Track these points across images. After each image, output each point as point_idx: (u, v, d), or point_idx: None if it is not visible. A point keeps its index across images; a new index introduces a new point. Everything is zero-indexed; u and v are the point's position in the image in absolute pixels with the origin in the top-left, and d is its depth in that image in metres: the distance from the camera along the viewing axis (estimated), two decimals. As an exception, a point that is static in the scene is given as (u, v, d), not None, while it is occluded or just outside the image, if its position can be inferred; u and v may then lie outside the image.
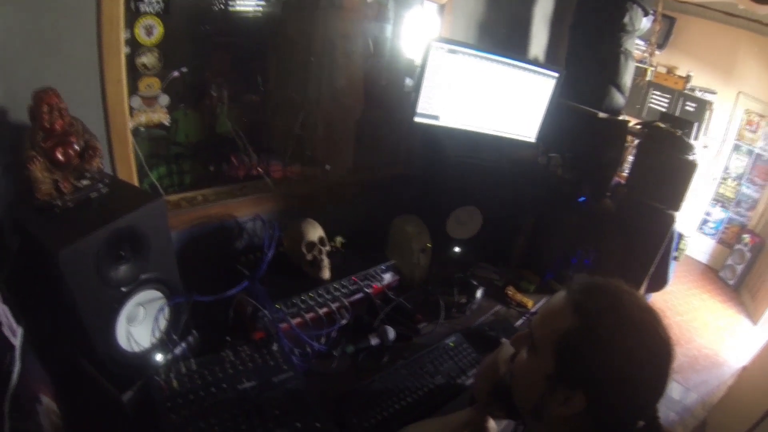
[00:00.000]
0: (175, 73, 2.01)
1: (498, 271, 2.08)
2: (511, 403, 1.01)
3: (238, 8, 2.10)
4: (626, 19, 2.10)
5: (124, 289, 1.19)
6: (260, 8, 2.18)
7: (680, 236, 2.44)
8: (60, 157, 1.17)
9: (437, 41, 1.82)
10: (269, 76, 2.51)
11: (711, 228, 5.88)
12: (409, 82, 2.27)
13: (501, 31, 2.27)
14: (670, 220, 1.99)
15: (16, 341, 1.03)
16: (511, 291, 1.97)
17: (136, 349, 1.26)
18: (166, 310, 1.32)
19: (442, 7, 2.05)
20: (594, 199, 2.07)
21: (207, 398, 1.20)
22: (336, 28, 2.11)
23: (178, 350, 1.37)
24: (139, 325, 1.28)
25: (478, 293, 1.86)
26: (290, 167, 2.40)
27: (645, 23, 2.58)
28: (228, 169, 2.30)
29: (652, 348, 0.82)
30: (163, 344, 1.32)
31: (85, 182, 1.21)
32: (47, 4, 1.22)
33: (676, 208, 1.97)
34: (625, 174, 2.21)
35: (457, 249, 2.08)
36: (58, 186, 1.16)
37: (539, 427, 0.95)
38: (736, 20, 4.60)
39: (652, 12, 2.61)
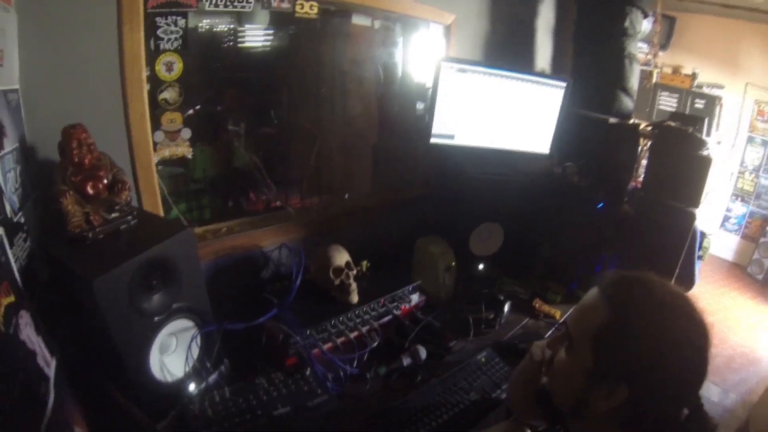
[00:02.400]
0: (190, 111, 2.05)
1: (522, 285, 2.04)
2: (551, 408, 0.99)
3: (247, 44, 2.13)
4: (627, 23, 2.10)
5: (156, 319, 1.17)
6: (268, 42, 2.21)
7: (703, 235, 2.37)
8: (90, 190, 1.18)
9: (446, 61, 1.84)
10: (282, 108, 2.55)
11: (733, 224, 5.64)
12: (420, 106, 2.29)
13: (507, 47, 2.29)
14: (691, 217, 1.94)
15: (50, 372, 1.01)
16: (538, 303, 1.93)
17: (170, 378, 1.23)
18: (198, 339, 1.29)
19: (447, 28, 2.09)
20: (612, 204, 2.04)
21: (242, 425, 1.18)
22: (344, 56, 2.14)
23: (211, 379, 1.33)
24: (172, 355, 1.26)
25: (506, 307, 1.82)
26: (308, 198, 2.40)
27: (646, 25, 2.59)
28: (247, 204, 2.30)
29: (688, 330, 0.81)
30: (196, 373, 1.29)
31: (114, 215, 1.21)
32: (72, 44, 1.26)
33: (696, 205, 1.94)
34: (640, 179, 2.18)
35: (481, 266, 2.04)
36: (89, 218, 1.17)
37: (582, 427, 0.93)
38: (735, 12, 4.50)
39: (651, 14, 2.63)
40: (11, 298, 0.94)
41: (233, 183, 2.37)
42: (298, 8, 1.63)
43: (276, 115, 2.56)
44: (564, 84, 2.00)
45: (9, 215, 1.05)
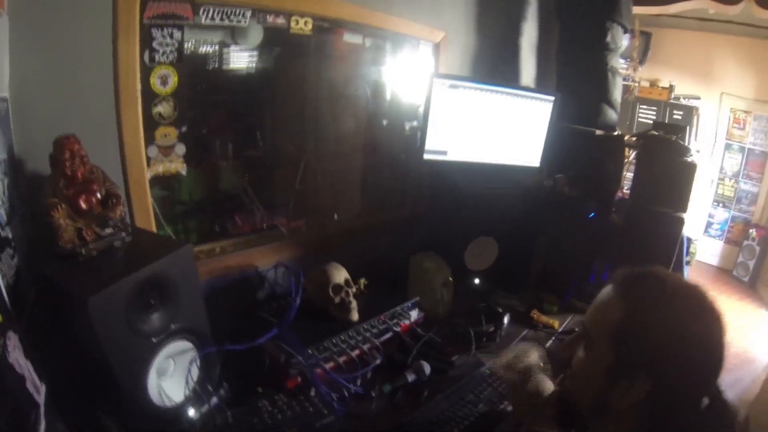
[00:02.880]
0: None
1: (518, 297, 2.02)
2: (570, 412, 0.98)
3: (232, 65, 2.08)
4: (608, 38, 2.15)
5: (154, 340, 1.09)
6: (254, 63, 2.18)
7: (689, 240, 2.40)
8: (83, 204, 1.11)
9: (438, 77, 1.85)
10: (267, 131, 2.50)
11: (716, 229, 5.77)
12: (409, 125, 2.28)
13: (495, 63, 2.33)
14: (680, 222, 1.97)
15: (41, 399, 0.92)
16: (536, 314, 1.91)
17: (168, 403, 1.14)
18: (197, 362, 1.21)
19: (437, 45, 2.10)
20: (601, 214, 2.05)
21: None
22: (333, 76, 2.12)
23: (211, 403, 1.24)
24: (170, 379, 1.17)
25: (505, 319, 1.79)
26: (295, 221, 2.34)
27: (624, 42, 2.67)
28: (233, 228, 2.23)
29: (703, 317, 0.82)
30: (197, 397, 1.20)
31: (108, 230, 1.14)
32: (64, 52, 1.20)
33: (684, 209, 1.97)
34: (626, 190, 2.21)
35: (476, 280, 2.01)
36: (81, 234, 1.10)
37: (603, 425, 0.92)
38: (709, 24, 4.68)
39: (629, 30, 2.71)
40: (-1, 319, 0.86)
41: (220, 206, 2.30)
42: (293, 24, 1.62)
43: (261, 137, 2.51)
44: (552, 98, 2.02)
45: (-4, 231, 0.97)
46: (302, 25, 1.64)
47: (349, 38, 1.93)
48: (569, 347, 1.01)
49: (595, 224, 2.01)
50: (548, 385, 1.22)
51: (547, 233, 2.07)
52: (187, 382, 1.18)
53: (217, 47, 1.90)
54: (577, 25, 2.20)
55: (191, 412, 1.18)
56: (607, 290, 0.92)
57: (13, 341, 0.89)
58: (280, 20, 1.60)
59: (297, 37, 1.81)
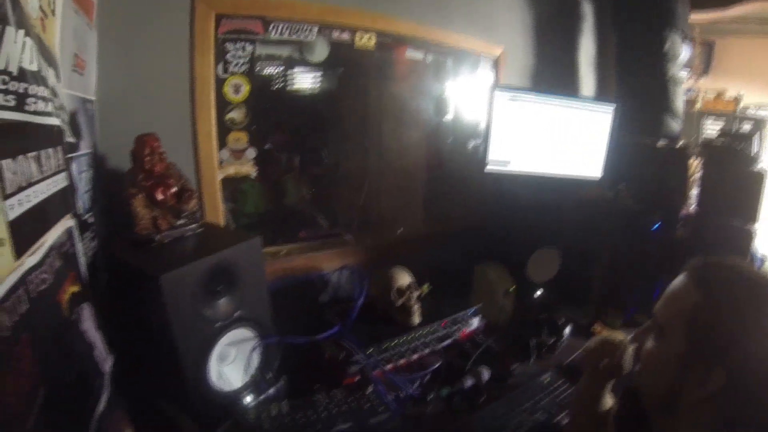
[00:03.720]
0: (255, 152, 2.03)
1: (580, 310, 1.87)
2: (637, 410, 0.89)
3: (298, 85, 2.13)
4: (667, 47, 2.01)
5: (218, 325, 1.07)
6: (318, 84, 2.21)
7: (763, 260, 2.12)
8: (159, 195, 1.13)
9: (499, 90, 1.79)
10: (331, 148, 2.52)
11: None
12: (472, 143, 2.22)
13: (553, 77, 2.25)
14: (749, 235, 1.79)
15: (106, 369, 0.91)
16: (598, 327, 1.76)
17: (226, 389, 1.11)
18: (259, 351, 1.17)
19: (496, 60, 2.05)
20: (666, 229, 1.87)
21: None
22: (392, 94, 2.12)
23: (268, 393, 1.20)
24: (230, 365, 1.14)
25: (566, 330, 1.66)
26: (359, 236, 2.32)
27: (685, 52, 2.49)
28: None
29: None
30: (255, 386, 1.16)
31: (181, 221, 1.16)
32: (146, 62, 1.26)
33: (754, 220, 1.80)
34: (692, 206, 2.02)
35: (539, 292, 1.87)
36: (156, 222, 1.11)
37: (671, 425, 0.82)
38: None
39: (688, 37, 2.53)
40: (76, 288, 0.87)
41: (284, 220, 2.33)
42: (357, 39, 1.63)
43: (326, 155, 2.53)
44: (612, 107, 1.91)
45: (80, 212, 1.00)
46: (366, 41, 1.65)
47: (411, 54, 1.92)
48: (638, 339, 0.93)
49: (660, 238, 1.83)
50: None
51: (610, 246, 1.91)
52: (246, 370, 1.14)
53: (284, 68, 1.96)
54: (635, 36, 2.07)
55: (248, 399, 1.13)
56: (679, 279, 0.85)
57: (87, 311, 0.89)
58: (345, 35, 1.62)
59: (361, 55, 1.83)
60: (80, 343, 0.82)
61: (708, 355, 0.75)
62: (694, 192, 2.03)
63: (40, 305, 0.67)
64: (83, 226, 1.02)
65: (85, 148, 1.08)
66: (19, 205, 0.66)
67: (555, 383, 1.42)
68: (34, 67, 0.68)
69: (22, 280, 0.63)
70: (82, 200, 1.03)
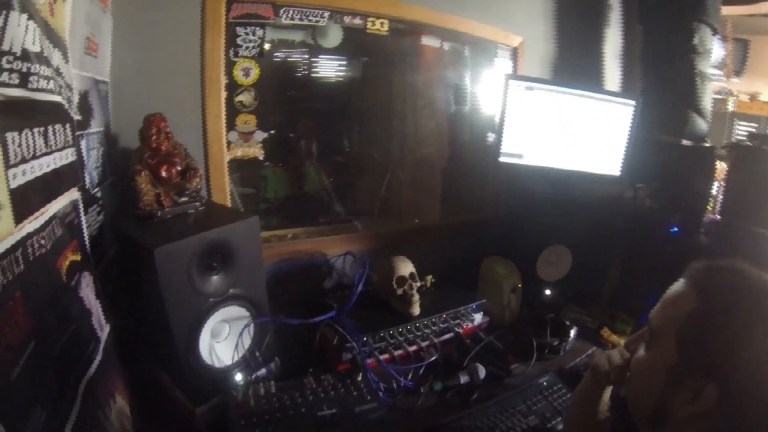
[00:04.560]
0: (265, 135, 2.11)
1: (589, 313, 1.85)
2: (625, 420, 0.85)
3: (320, 74, 2.18)
4: (695, 40, 1.92)
5: (212, 300, 1.13)
6: (341, 72, 2.26)
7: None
8: (164, 173, 1.20)
9: (514, 78, 1.78)
10: (354, 138, 2.57)
11: None
12: (490, 136, 2.23)
13: (575, 69, 2.22)
14: None
15: (102, 335, 0.99)
16: (606, 332, 1.72)
17: (217, 364, 1.18)
18: (252, 329, 1.24)
19: (514, 51, 2.04)
20: (687, 233, 1.82)
21: (283, 420, 1.10)
22: (416, 79, 2.14)
23: (259, 373, 1.26)
24: (223, 342, 1.21)
25: (572, 333, 1.64)
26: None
27: (717, 50, 2.39)
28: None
29: None
30: (245, 364, 1.23)
31: (183, 199, 1.23)
32: (158, 46, 1.34)
33: None
34: (717, 213, 1.95)
35: (547, 291, 1.87)
36: (160, 199, 1.19)
37: None
38: None
39: (721, 37, 2.42)
40: (77, 257, 0.95)
41: (303, 206, 2.40)
42: (369, 25, 1.67)
43: (348, 144, 2.59)
44: (633, 102, 1.85)
45: (87, 187, 1.09)
46: (378, 26, 1.68)
47: (427, 41, 1.94)
48: (630, 344, 0.91)
49: (680, 242, 1.78)
50: None
51: (625, 247, 1.88)
52: (237, 348, 1.20)
53: (303, 56, 2.02)
54: (661, 28, 1.99)
55: (238, 377, 1.20)
56: (677, 282, 0.78)
57: (86, 280, 0.97)
58: (357, 21, 1.66)
59: (380, 42, 1.86)
60: (77, 308, 0.90)
61: (700, 369, 0.69)
62: (719, 196, 1.96)
63: (37, 268, 0.75)
64: (90, 200, 1.11)
65: (95, 127, 1.16)
66: (23, 174, 0.73)
67: (553, 387, 1.41)
68: (36, 48, 0.75)
69: (20, 244, 0.70)
70: (91, 175, 1.12)
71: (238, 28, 1.45)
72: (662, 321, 0.77)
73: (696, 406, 0.68)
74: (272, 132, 2.09)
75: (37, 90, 0.76)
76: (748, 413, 0.67)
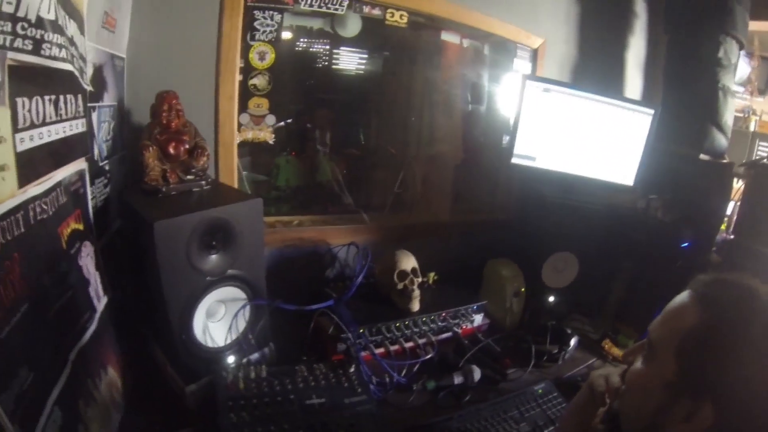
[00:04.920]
0: (281, 123, 2.14)
1: (592, 324, 1.84)
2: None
3: (341, 66, 2.20)
4: (721, 53, 1.88)
5: (209, 279, 1.15)
6: (362, 67, 2.28)
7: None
8: (172, 150, 1.22)
9: (531, 79, 1.77)
10: (370, 132, 2.58)
11: None
12: (504, 137, 2.22)
13: (596, 75, 2.20)
14: None
15: (99, 306, 1.01)
16: (607, 345, 1.71)
17: (211, 344, 1.19)
18: (247, 311, 1.25)
19: (534, 52, 2.03)
20: (699, 249, 1.79)
21: (270, 406, 1.10)
22: (435, 74, 2.14)
23: (253, 357, 1.28)
24: (218, 323, 1.22)
25: (572, 342, 1.63)
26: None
27: (743, 67, 2.33)
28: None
29: None
30: (239, 346, 1.24)
31: (189, 177, 1.25)
32: (177, 25, 1.36)
33: None
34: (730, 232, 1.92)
35: (551, 298, 1.85)
36: (166, 175, 1.21)
37: None
38: None
39: (747, 54, 2.37)
40: (80, 226, 0.97)
41: (314, 195, 2.42)
42: (388, 16, 1.67)
43: (364, 137, 2.60)
44: (652, 111, 1.82)
45: (96, 158, 1.11)
46: (398, 18, 1.68)
47: (447, 37, 1.94)
48: (628, 356, 0.87)
49: (690, 258, 1.75)
50: None
51: (634, 259, 1.85)
52: (230, 329, 1.22)
53: (324, 47, 2.04)
54: (687, 38, 1.95)
55: (231, 358, 1.21)
56: (681, 295, 0.75)
57: (87, 250, 1.00)
58: (376, 11, 1.66)
59: (400, 38, 1.86)
60: (75, 276, 0.92)
61: (697, 387, 0.67)
62: (734, 216, 1.92)
63: (37, 232, 0.77)
64: (98, 171, 1.13)
65: (108, 100, 1.19)
66: (30, 140, 0.76)
67: (548, 395, 1.40)
68: (51, 17, 0.77)
69: (23, 206, 0.73)
70: (100, 147, 1.15)
71: (256, 12, 1.46)
72: (662, 334, 0.74)
73: (690, 427, 0.66)
74: (289, 121, 2.13)
75: (50, 57, 0.78)
76: None
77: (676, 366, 0.69)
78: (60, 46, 0.81)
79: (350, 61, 2.24)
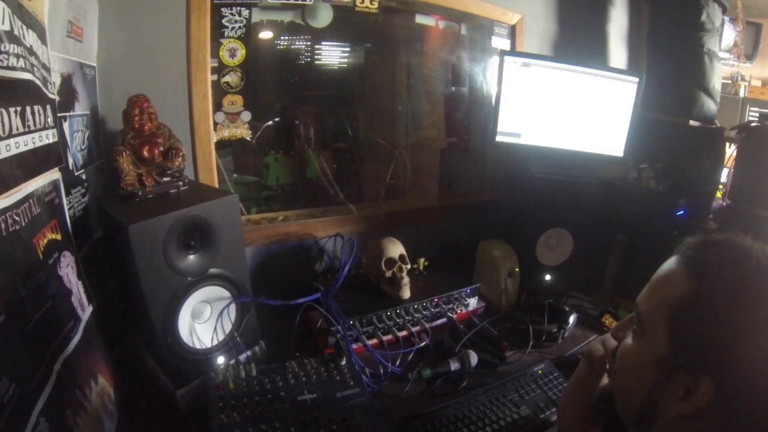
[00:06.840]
0: (269, 122, 2.18)
1: (591, 300, 1.85)
2: (613, 418, 0.79)
3: (323, 62, 2.22)
4: (704, 17, 1.89)
5: (190, 279, 1.18)
6: (344, 61, 2.30)
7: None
8: (146, 154, 1.25)
9: (510, 55, 1.78)
10: (358, 125, 2.61)
11: None
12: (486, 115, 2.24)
13: (577, 49, 2.20)
14: None
15: (83, 315, 1.04)
16: (608, 320, 1.72)
17: (199, 346, 1.22)
18: (233, 310, 1.28)
19: (512, 29, 2.03)
20: (695, 217, 1.81)
21: (262, 405, 1.12)
22: (418, 70, 2.16)
23: (242, 356, 1.31)
24: (204, 324, 1.25)
25: (571, 320, 1.64)
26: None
27: (729, 33, 2.33)
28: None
29: None
30: (228, 346, 1.27)
31: (166, 179, 1.27)
32: (145, 28, 1.39)
33: None
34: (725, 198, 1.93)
35: (547, 277, 1.87)
36: (142, 179, 1.24)
37: None
38: None
39: (731, 19, 2.36)
40: (57, 236, 1.00)
41: (305, 192, 2.45)
42: (358, 2, 1.68)
43: (351, 131, 2.63)
44: (636, 79, 1.82)
45: (71, 168, 1.14)
46: (368, 4, 1.69)
47: (422, 20, 1.95)
48: (617, 331, 0.82)
49: (687, 226, 1.76)
50: None
51: (629, 231, 1.87)
52: (216, 329, 1.25)
53: (306, 43, 2.06)
54: (669, 4, 1.96)
55: (221, 359, 1.24)
56: (668, 261, 0.70)
57: (67, 260, 1.03)
58: (345, -2, 1.68)
59: (372, 24, 1.86)
60: (55, 287, 0.95)
61: (693, 360, 0.62)
62: (728, 181, 1.93)
63: (10, 243, 0.80)
64: (74, 181, 1.16)
65: (80, 110, 1.22)
66: (-5, 152, 0.79)
67: (549, 375, 1.40)
68: (6, 27, 0.80)
69: (-9, 218, 0.76)
70: (75, 157, 1.18)
71: (223, 9, 1.49)
72: (651, 305, 0.69)
73: (688, 405, 0.62)
74: (276, 119, 2.15)
75: (7, 68, 0.81)
76: (748, 414, 0.60)
77: (668, 340, 0.65)
78: (18, 56, 0.84)
79: (332, 55, 2.26)
